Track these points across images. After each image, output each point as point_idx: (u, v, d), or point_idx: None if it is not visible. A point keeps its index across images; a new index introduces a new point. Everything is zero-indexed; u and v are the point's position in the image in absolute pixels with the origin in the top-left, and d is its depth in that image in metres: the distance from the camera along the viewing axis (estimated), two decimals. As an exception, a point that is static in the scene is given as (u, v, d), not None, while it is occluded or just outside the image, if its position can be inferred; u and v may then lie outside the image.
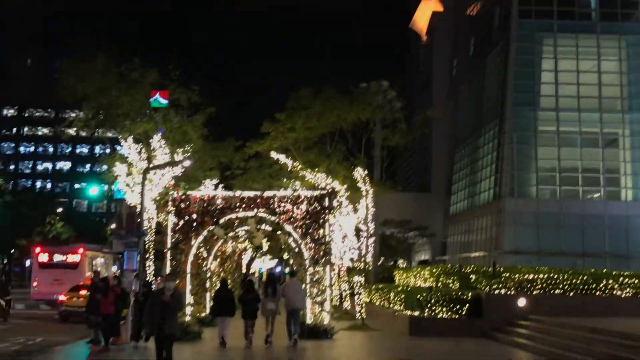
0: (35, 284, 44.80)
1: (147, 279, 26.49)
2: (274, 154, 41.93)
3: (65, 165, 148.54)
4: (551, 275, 25.00)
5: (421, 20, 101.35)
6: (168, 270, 26.16)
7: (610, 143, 64.87)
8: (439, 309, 24.31)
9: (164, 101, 39.86)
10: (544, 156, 64.38)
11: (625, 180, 63.88)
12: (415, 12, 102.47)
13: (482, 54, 76.58)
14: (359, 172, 38.32)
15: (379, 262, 53.60)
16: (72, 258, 45.48)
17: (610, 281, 24.55)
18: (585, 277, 24.76)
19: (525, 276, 24.95)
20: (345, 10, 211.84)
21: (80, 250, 46.47)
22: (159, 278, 37.32)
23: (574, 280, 24.57)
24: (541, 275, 24.96)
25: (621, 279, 24.64)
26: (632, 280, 24.44)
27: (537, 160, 64.47)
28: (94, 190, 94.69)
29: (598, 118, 64.28)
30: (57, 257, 45.42)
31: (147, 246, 31.67)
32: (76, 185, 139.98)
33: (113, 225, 54.74)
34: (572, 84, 64.88)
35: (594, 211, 61.73)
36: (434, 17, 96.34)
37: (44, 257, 45.29)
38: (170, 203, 27.37)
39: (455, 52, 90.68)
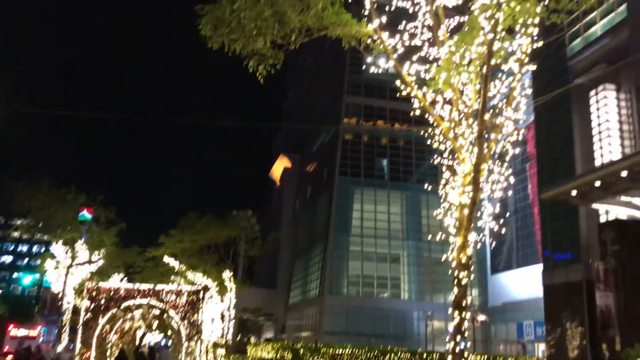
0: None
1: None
2: (166, 258, 41.39)
3: (7, 259, 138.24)
4: (354, 350, 25.25)
5: (277, 171, 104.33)
6: (79, 342, 24.94)
7: (395, 260, 67.77)
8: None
9: (89, 216, 38.97)
10: (352, 267, 66.26)
11: (404, 285, 66.61)
12: (273, 165, 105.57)
13: (315, 196, 79.28)
14: (227, 274, 38.44)
15: (237, 339, 52.50)
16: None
17: (393, 354, 24.90)
18: (376, 352, 25.05)
19: (337, 351, 25.21)
20: (226, 161, 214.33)
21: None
22: (71, 346, 35.13)
23: (369, 354, 24.87)
24: (347, 350, 25.21)
25: (400, 353, 25.07)
26: (406, 355, 24.94)
27: (348, 269, 66.21)
28: (28, 279, 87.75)
29: (387, 243, 67.24)
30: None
31: (64, 323, 30.06)
32: (15, 275, 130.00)
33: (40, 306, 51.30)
34: (372, 220, 68.01)
35: (383, 306, 63.42)
36: (285, 170, 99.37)
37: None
38: (85, 291, 26.42)
39: (298, 194, 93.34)
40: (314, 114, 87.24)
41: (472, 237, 11.06)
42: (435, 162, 12.45)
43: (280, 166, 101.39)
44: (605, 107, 31.45)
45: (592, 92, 32.37)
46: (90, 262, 35.18)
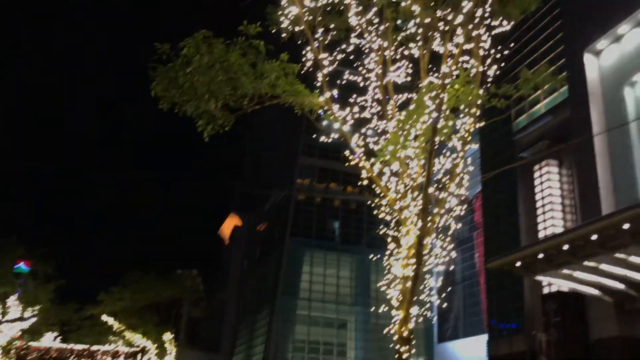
0: None
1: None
2: (104, 317, 39.85)
3: None
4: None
5: (226, 229, 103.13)
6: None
7: (342, 326, 67.05)
8: None
9: (26, 268, 37.47)
10: (299, 331, 65.10)
11: (350, 352, 65.73)
12: (223, 223, 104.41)
13: (264, 257, 78.45)
14: (167, 335, 37.19)
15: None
16: None
17: None
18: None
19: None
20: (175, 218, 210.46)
21: None
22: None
23: None
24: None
25: None
26: None
27: (294, 333, 65.06)
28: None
29: (335, 308, 66.68)
30: None
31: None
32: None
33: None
34: (320, 283, 67.53)
35: (330, 373, 62.26)
36: (235, 228, 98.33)
37: None
38: (13, 350, 25.11)
39: (247, 254, 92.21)
40: (268, 173, 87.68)
41: (415, 310, 11.21)
42: (381, 233, 12.71)
43: (230, 224, 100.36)
44: (548, 181, 32.84)
45: (536, 167, 33.83)
46: (22, 319, 33.47)
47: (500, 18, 13.12)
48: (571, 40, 30.39)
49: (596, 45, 29.21)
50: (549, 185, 33.02)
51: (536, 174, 34.09)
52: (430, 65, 14.24)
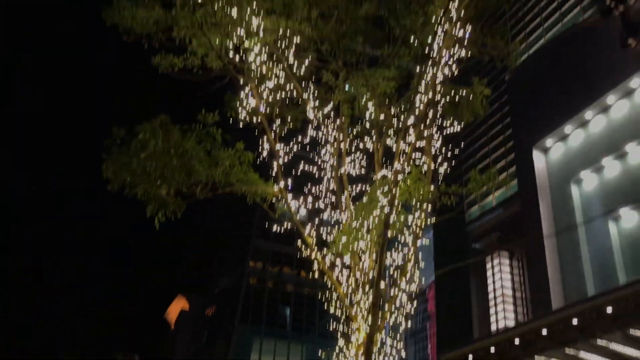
0: None
1: None
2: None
3: None
4: None
5: (172, 312, 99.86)
6: None
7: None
8: None
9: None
10: None
11: None
12: (169, 305, 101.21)
13: (211, 343, 75.79)
14: None
15: None
16: None
17: None
18: None
19: None
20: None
21: None
22: None
23: None
24: None
25: None
26: None
27: None
28: None
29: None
30: None
31: None
32: None
33: None
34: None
35: None
36: (182, 312, 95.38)
37: None
38: None
39: (193, 339, 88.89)
40: (220, 254, 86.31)
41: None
42: (332, 328, 12.58)
43: (176, 307, 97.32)
44: (500, 273, 33.35)
45: (488, 258, 34.41)
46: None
47: (451, 119, 13.81)
48: (520, 137, 31.88)
49: (544, 143, 30.70)
50: (501, 277, 33.51)
51: (488, 265, 34.60)
52: (384, 159, 14.69)
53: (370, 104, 13.96)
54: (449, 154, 14.11)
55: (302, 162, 15.00)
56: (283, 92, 14.58)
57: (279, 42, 14.03)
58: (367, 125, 14.41)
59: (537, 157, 30.45)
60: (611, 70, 27.28)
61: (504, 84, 33.28)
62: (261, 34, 13.37)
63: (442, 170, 13.65)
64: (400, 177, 11.93)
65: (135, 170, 11.22)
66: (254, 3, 12.40)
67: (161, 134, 11.05)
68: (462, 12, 12.35)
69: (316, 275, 12.97)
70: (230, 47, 13.43)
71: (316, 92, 14.81)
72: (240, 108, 13.88)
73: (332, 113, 14.76)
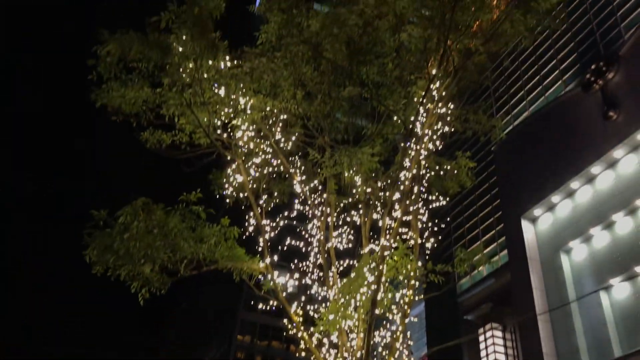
0: None
1: None
2: None
3: None
4: None
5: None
6: None
7: None
8: None
9: None
10: None
11: None
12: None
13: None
14: None
15: None
16: None
17: None
18: None
19: None
20: None
21: None
22: None
23: None
24: None
25: None
26: None
27: None
28: None
29: None
30: None
31: None
32: None
33: None
34: None
35: None
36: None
37: None
38: None
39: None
40: (206, 328, 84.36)
41: None
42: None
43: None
44: (493, 345, 32.81)
45: (481, 330, 33.93)
46: None
47: (437, 194, 13.99)
48: (508, 208, 32.15)
49: (532, 213, 30.95)
50: (494, 349, 32.95)
51: (481, 338, 34.09)
52: (371, 233, 14.72)
53: (356, 178, 14.13)
54: (436, 228, 14.18)
55: (289, 237, 15.00)
56: (270, 167, 14.75)
57: (266, 119, 14.33)
58: (354, 198, 14.52)
59: (526, 227, 30.63)
60: (595, 141, 27.93)
61: (490, 154, 33.88)
62: (249, 112, 13.65)
63: (429, 245, 13.70)
64: (387, 253, 11.93)
65: (118, 251, 11.15)
66: (241, 84, 12.74)
67: (143, 216, 11.06)
68: (444, 92, 12.75)
69: (303, 354, 12.72)
70: (218, 124, 13.69)
71: (302, 166, 14.99)
72: (227, 184, 13.99)
73: (319, 187, 14.90)
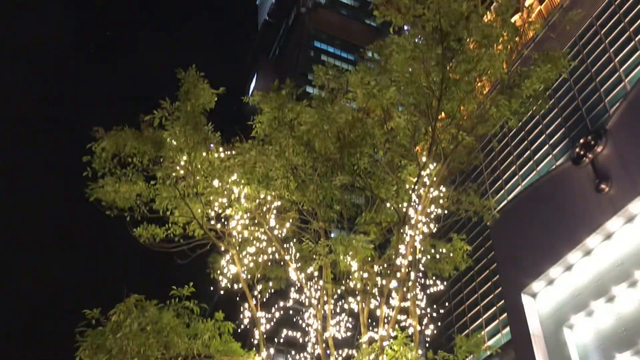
0: None
1: None
2: None
3: None
4: None
5: None
6: None
7: None
8: None
9: None
10: None
11: None
12: None
13: None
14: None
15: None
16: None
17: None
18: None
19: None
20: None
21: None
22: None
23: None
24: None
25: None
26: None
27: None
28: None
29: None
30: None
31: None
32: None
33: None
34: None
35: None
36: None
37: None
38: None
39: None
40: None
41: None
42: None
43: None
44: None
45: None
46: None
47: (434, 278, 13.82)
48: (507, 283, 31.75)
49: (532, 288, 30.52)
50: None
51: (488, 421, 32.83)
52: (370, 320, 14.40)
53: (352, 262, 13.97)
54: (435, 314, 13.91)
55: (286, 327, 14.66)
56: (265, 255, 14.61)
57: (260, 206, 14.33)
58: (351, 285, 14.30)
59: (527, 302, 30.11)
60: (589, 214, 27.93)
61: (486, 229, 33.80)
62: (242, 201, 13.68)
63: (429, 332, 13.38)
64: (386, 343, 11.63)
65: (111, 350, 10.85)
66: (234, 175, 12.85)
67: (136, 313, 10.86)
68: (435, 177, 12.86)
69: None
70: (212, 215, 13.68)
71: (297, 253, 14.86)
72: (220, 276, 13.82)
73: (315, 273, 14.70)
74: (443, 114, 13.34)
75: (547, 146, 33.63)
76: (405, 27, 12.59)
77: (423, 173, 12.60)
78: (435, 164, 13.03)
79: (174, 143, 12.63)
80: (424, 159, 12.66)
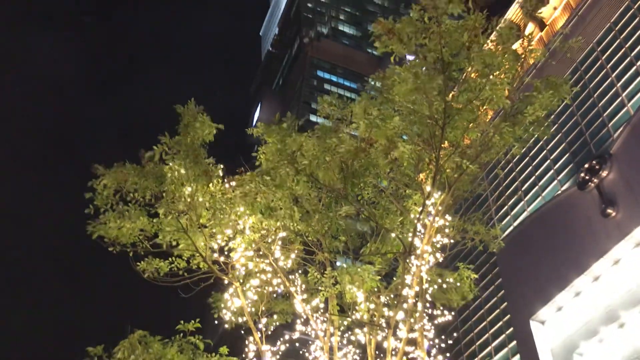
0: None
1: None
2: None
3: None
4: None
5: None
6: None
7: None
8: None
9: None
10: None
11: None
12: None
13: None
14: None
15: None
16: None
17: None
18: None
19: None
20: None
21: None
22: None
23: None
24: None
25: None
26: None
27: None
28: None
29: None
30: None
31: None
32: None
33: None
34: None
35: None
36: None
37: None
38: None
39: None
40: None
41: None
42: None
43: None
44: None
45: None
46: None
47: (441, 309, 13.59)
48: (515, 311, 31.34)
49: (540, 314, 30.11)
50: None
51: None
52: (377, 352, 14.13)
53: (359, 294, 13.76)
54: (443, 344, 13.64)
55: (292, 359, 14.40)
56: (270, 287, 14.41)
57: (264, 237, 14.19)
58: (357, 316, 14.06)
59: (536, 330, 29.65)
60: (596, 239, 27.65)
61: (493, 256, 33.51)
62: (247, 233, 13.56)
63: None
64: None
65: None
66: (238, 206, 12.76)
67: (140, 349, 10.69)
68: (439, 206, 12.74)
69: None
70: (215, 247, 13.55)
71: (303, 285, 14.66)
72: (225, 310, 13.63)
73: (320, 305, 14.47)
74: (447, 143, 13.27)
75: (551, 171, 33.47)
76: (407, 57, 12.63)
77: (428, 202, 12.48)
78: (439, 193, 12.91)
79: (176, 176, 12.58)
80: (428, 188, 12.55)
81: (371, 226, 14.11)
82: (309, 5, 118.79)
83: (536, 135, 14.15)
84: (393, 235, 13.31)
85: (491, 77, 12.24)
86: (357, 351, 14.58)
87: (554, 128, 31.81)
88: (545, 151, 34.44)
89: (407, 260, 12.32)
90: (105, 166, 11.91)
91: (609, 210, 26.87)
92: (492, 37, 12.54)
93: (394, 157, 12.33)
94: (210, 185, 12.76)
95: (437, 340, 13.52)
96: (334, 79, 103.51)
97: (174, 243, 13.04)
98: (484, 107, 12.33)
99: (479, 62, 11.56)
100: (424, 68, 11.80)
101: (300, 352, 14.75)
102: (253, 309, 13.72)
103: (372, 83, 12.65)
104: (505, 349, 32.11)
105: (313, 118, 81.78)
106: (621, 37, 32.40)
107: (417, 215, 12.62)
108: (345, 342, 14.76)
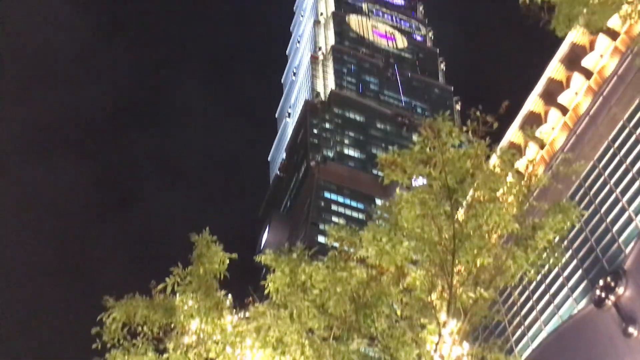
0: None
1: None
2: None
3: None
4: None
5: None
6: None
7: None
8: None
9: None
10: None
11: None
12: None
13: None
14: None
15: None
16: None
17: None
18: None
19: None
20: None
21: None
22: None
23: None
24: None
25: None
26: None
27: None
28: None
29: None
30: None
31: None
32: None
33: None
34: None
35: None
36: None
37: None
38: None
39: None
40: None
41: None
42: None
43: None
44: None
45: None
46: None
47: None
48: None
49: None
50: None
51: None
52: None
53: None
54: None
55: None
56: None
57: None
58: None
59: None
60: (620, 359, 26.40)
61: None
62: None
63: None
64: None
65: None
66: (248, 340, 12.35)
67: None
68: (456, 334, 12.27)
69: None
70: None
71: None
72: None
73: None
74: (460, 267, 13.03)
75: (565, 289, 32.67)
76: (414, 183, 12.77)
77: (444, 331, 12.02)
78: (455, 321, 12.47)
79: (186, 308, 12.30)
80: (443, 315, 12.16)
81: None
82: (315, 131, 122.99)
83: (549, 263, 13.93)
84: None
85: (497, 201, 12.28)
86: None
87: (564, 244, 31.50)
88: (557, 269, 33.82)
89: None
90: (115, 297, 11.74)
91: (631, 330, 25.89)
92: (495, 162, 12.76)
93: (405, 285, 12.08)
94: (221, 317, 12.44)
95: None
96: (340, 199, 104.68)
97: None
98: (494, 233, 12.25)
99: (485, 188, 11.64)
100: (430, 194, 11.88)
101: None
102: None
103: (379, 213, 12.71)
104: None
105: (321, 239, 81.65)
106: (620, 153, 32.98)
107: (434, 345, 12.11)
108: None
